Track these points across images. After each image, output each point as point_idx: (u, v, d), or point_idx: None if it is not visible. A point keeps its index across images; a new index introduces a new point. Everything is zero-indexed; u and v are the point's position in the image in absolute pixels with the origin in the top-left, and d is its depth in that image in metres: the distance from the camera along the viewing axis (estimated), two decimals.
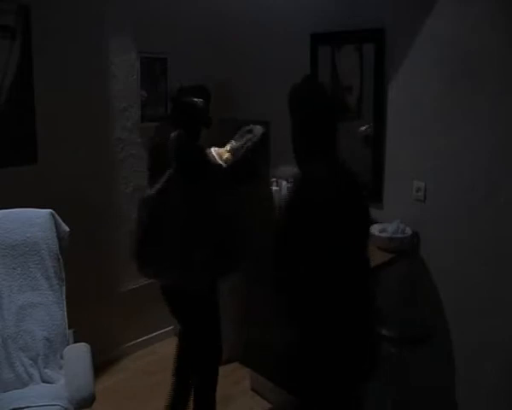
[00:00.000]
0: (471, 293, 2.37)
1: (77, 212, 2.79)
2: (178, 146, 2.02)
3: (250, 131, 2.21)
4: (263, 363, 2.59)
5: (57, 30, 2.77)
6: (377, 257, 2.41)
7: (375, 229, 2.55)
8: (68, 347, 2.18)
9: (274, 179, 2.90)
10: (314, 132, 1.71)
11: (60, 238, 2.35)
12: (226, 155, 2.19)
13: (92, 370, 2.06)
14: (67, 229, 2.39)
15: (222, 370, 2.45)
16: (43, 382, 2.06)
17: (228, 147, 2.22)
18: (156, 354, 3.37)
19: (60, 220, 2.38)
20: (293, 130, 1.75)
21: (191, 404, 2.48)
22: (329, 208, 1.63)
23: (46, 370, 2.09)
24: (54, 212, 2.36)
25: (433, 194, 2.50)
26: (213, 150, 2.22)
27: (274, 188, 2.82)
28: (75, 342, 2.25)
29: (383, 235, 2.49)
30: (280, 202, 2.36)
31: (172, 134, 2.02)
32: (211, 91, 2.28)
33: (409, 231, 2.51)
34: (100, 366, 2.91)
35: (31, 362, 2.08)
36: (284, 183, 2.85)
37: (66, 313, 2.27)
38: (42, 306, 2.20)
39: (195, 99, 2.19)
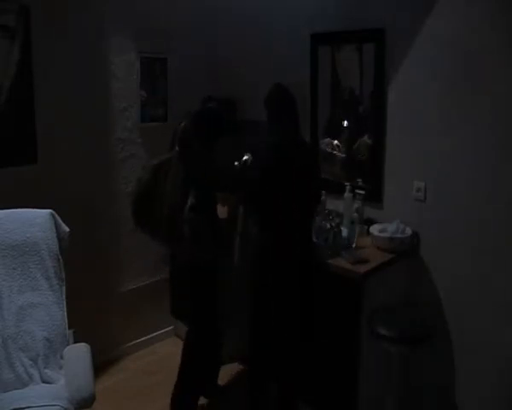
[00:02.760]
0: (471, 293, 2.37)
1: (77, 212, 2.79)
2: (182, 135, 2.44)
3: None
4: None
5: (57, 30, 2.77)
6: (377, 257, 2.41)
7: (374, 229, 2.56)
8: (68, 347, 2.18)
9: None
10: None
11: (60, 238, 2.35)
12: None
13: (92, 370, 2.05)
14: (67, 229, 2.39)
15: None
16: (43, 382, 2.06)
17: None
18: (156, 354, 3.37)
19: (60, 221, 2.38)
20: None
21: None
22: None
23: (46, 370, 2.09)
24: (54, 212, 2.36)
25: (433, 194, 2.50)
26: None
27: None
28: (75, 342, 2.24)
29: (383, 235, 2.48)
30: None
31: (181, 124, 2.42)
32: (237, 105, 2.66)
33: (409, 231, 2.51)
34: (100, 366, 2.91)
35: (31, 362, 2.08)
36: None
37: (66, 313, 2.27)
38: (42, 306, 2.20)
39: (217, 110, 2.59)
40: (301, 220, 2.35)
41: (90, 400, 1.97)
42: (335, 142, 2.98)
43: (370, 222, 2.67)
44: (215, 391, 2.86)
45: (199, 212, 2.40)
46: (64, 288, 2.31)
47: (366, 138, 2.77)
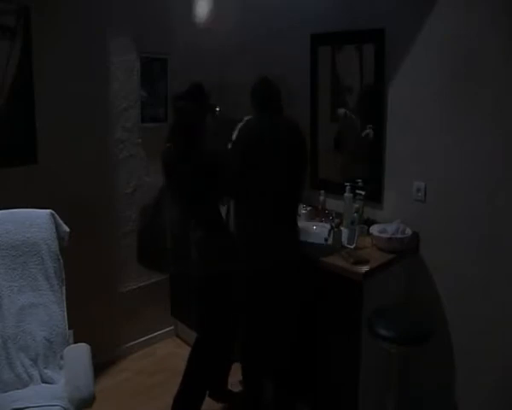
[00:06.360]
0: (471, 293, 2.37)
1: (77, 212, 2.79)
2: (165, 162, 2.43)
3: None
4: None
5: (57, 30, 2.77)
6: (377, 257, 2.41)
7: (374, 229, 2.55)
8: (68, 347, 2.18)
9: None
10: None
11: (60, 238, 2.35)
12: None
13: (92, 370, 2.05)
14: (67, 229, 2.40)
15: None
16: (43, 382, 2.06)
17: None
18: (156, 355, 3.37)
19: (60, 221, 2.38)
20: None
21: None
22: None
23: (46, 370, 2.09)
24: (54, 212, 2.36)
25: (433, 194, 2.50)
26: None
27: None
28: (75, 342, 2.25)
29: (383, 235, 2.48)
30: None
31: (163, 149, 2.41)
32: (205, 87, 2.46)
33: (409, 231, 2.51)
34: (100, 366, 2.91)
35: (31, 362, 2.08)
36: None
37: (66, 313, 2.27)
38: (42, 306, 2.20)
39: (181, 103, 2.44)
40: (288, 202, 2.37)
41: (90, 400, 1.97)
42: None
43: (370, 222, 2.67)
44: (225, 394, 2.83)
45: (205, 229, 2.33)
46: (64, 288, 2.31)
47: (366, 139, 2.78)
